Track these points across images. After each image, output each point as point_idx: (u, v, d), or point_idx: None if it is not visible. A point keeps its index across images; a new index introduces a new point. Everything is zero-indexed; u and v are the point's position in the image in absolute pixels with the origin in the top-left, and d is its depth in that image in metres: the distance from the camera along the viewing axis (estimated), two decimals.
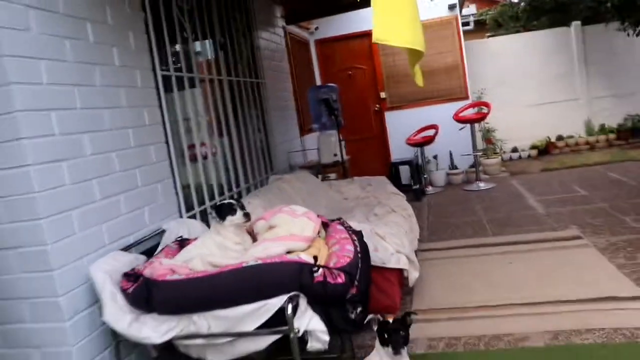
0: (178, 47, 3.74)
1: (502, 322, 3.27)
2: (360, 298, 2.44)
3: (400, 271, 3.35)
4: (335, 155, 5.81)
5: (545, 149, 9.25)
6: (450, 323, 3.37)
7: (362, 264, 2.53)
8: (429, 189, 7.68)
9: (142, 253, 2.70)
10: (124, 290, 2.31)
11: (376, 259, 3.17)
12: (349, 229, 2.80)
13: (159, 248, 2.75)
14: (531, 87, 9.27)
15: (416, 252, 4.67)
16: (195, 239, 2.78)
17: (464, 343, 3.09)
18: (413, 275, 3.44)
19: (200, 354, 2.39)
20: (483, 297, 3.65)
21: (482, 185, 7.30)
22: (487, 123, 8.51)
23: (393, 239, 3.37)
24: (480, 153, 8.02)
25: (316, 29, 8.27)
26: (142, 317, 2.29)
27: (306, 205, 3.62)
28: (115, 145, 2.74)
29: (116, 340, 2.40)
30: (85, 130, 2.53)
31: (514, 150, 9.35)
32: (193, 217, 3.45)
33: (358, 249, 2.57)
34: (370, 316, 2.25)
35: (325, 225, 2.87)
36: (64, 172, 2.35)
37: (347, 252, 2.45)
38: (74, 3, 2.52)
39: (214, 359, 2.37)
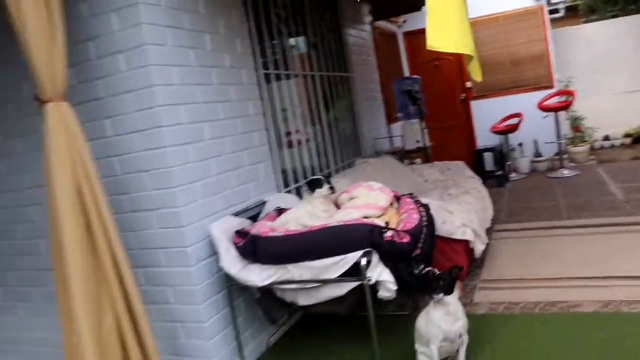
0: (276, 48, 4.36)
1: (559, 292, 3.61)
2: (424, 258, 2.94)
3: (466, 243, 3.79)
4: (417, 142, 6.26)
5: None
6: (512, 291, 3.77)
7: (426, 230, 3.03)
8: (513, 175, 7.90)
9: (248, 219, 3.35)
10: (235, 244, 2.96)
11: (443, 230, 3.64)
12: (417, 202, 3.29)
13: (262, 214, 3.39)
14: (624, 73, 9.10)
15: (491, 231, 5.07)
16: (290, 208, 3.39)
17: (521, 307, 3.48)
18: (478, 247, 3.87)
19: (293, 298, 3.00)
20: (546, 272, 3.99)
21: (566, 172, 7.42)
22: (574, 111, 8.53)
23: (461, 215, 3.81)
24: (566, 141, 8.11)
25: (404, 22, 8.67)
26: (249, 265, 2.93)
27: (388, 185, 4.13)
28: (227, 131, 3.39)
29: (229, 284, 3.07)
30: (205, 120, 3.19)
31: (606, 138, 9.22)
32: (289, 192, 4.07)
33: (424, 217, 3.07)
34: (426, 269, 2.74)
35: (397, 198, 3.38)
36: (190, 152, 3.02)
37: (412, 219, 2.96)
38: (195, 20, 3.19)
39: (304, 302, 2.97)
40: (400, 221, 2.99)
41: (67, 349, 2.51)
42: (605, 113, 8.98)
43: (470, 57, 2.94)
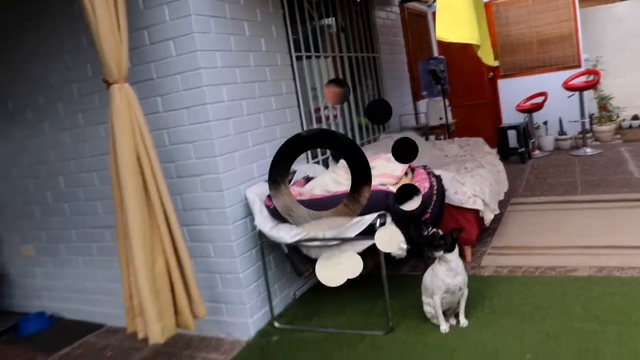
0: (307, 31, 4.74)
1: (559, 258, 3.96)
2: (433, 221, 3.35)
3: (477, 212, 4.15)
4: (440, 118, 6.60)
5: None
6: (517, 257, 4.13)
7: (436, 197, 3.43)
8: (536, 152, 8.15)
9: None
10: (267, 206, 3.41)
11: (456, 200, 4.02)
12: (430, 173, 3.67)
13: (292, 181, 3.82)
14: None
15: (506, 203, 5.42)
16: (317, 177, 3.81)
17: (523, 271, 3.85)
18: (488, 216, 4.23)
19: (317, 255, 3.43)
20: (551, 241, 4.33)
21: (588, 150, 7.63)
22: (602, 91, 8.67)
23: (473, 186, 4.17)
24: (590, 120, 8.28)
25: (434, 1, 8.90)
26: (279, 225, 3.38)
27: None
28: (263, 108, 3.82)
29: (261, 241, 3.53)
30: (243, 98, 3.62)
31: (635, 117, 9.29)
32: (317, 163, 4.49)
33: (434, 187, 3.46)
34: (432, 230, 3.13)
35: (412, 169, 3.77)
36: (230, 126, 3.46)
37: (423, 188, 3.36)
38: (236, 9, 3.61)
39: None
40: None
41: (126, 287, 3.02)
42: (636, 92, 9.04)
43: (477, 46, 3.25)
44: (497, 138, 7.98)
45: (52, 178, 4.25)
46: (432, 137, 6.84)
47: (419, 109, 7.50)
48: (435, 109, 6.67)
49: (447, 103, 6.55)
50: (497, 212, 4.50)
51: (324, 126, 4.83)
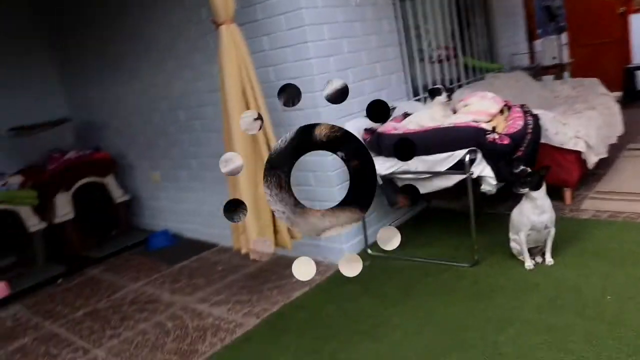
0: None
1: None
2: (525, 160, 3.36)
3: (579, 154, 4.05)
4: (554, 58, 6.31)
5: None
6: (621, 202, 3.98)
7: (530, 136, 3.42)
8: None
9: None
10: (364, 139, 3.60)
11: (556, 140, 3.96)
12: (526, 111, 3.64)
13: (391, 117, 3.95)
14: None
15: (621, 149, 5.14)
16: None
17: (624, 217, 3.73)
18: (591, 159, 4.10)
19: None
20: None
21: None
22: None
23: (577, 127, 4.06)
24: None
25: None
26: (374, 157, 3.54)
27: (515, 99, 4.42)
28: (363, 46, 3.96)
29: None
30: (344, 36, 3.78)
31: None
32: (418, 100, 4.56)
33: (529, 125, 3.45)
34: (521, 168, 3.14)
35: (509, 107, 3.75)
36: (330, 63, 3.65)
37: (516, 125, 3.36)
38: None
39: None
40: (505, 126, 3.42)
41: None
42: None
43: None
44: (623, 79, 7.45)
45: (174, 111, 4.73)
46: (547, 77, 6.56)
47: (535, 48, 7.18)
48: (550, 48, 6.38)
49: (564, 41, 6.23)
50: (604, 155, 4.35)
51: (427, 64, 4.84)
